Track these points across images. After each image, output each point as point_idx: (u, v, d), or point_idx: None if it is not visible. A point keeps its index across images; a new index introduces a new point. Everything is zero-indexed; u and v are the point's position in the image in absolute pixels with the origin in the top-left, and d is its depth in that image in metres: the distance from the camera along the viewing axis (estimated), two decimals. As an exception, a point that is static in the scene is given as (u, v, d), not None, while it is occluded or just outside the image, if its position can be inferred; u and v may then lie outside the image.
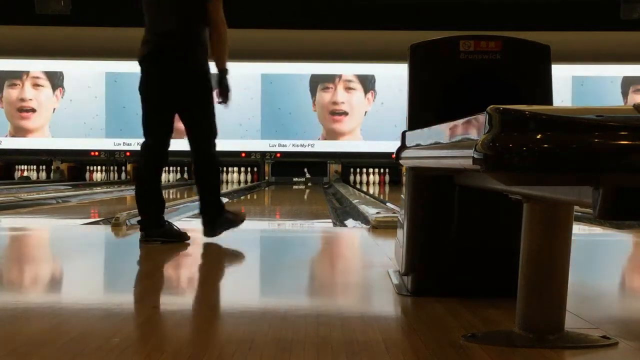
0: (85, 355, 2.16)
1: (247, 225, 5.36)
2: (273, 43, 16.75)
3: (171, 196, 12.31)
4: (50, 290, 3.50)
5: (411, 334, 2.46)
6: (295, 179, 17.81)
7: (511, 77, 3.04)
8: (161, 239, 4.73)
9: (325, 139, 17.18)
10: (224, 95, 4.88)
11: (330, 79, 17.29)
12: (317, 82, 17.34)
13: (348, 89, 17.26)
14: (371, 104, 17.25)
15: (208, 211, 4.94)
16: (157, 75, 4.85)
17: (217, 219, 4.93)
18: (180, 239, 4.82)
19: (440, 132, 2.36)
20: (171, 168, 17.98)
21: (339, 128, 17.22)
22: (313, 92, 17.36)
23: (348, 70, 17.18)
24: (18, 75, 17.86)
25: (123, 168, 18.89)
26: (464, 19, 15.09)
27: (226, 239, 4.91)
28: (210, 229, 4.94)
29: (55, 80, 17.92)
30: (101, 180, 18.44)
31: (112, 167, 18.82)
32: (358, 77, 17.29)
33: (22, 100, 17.83)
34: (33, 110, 17.87)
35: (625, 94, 17.20)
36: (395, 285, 3.20)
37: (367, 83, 17.27)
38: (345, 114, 17.20)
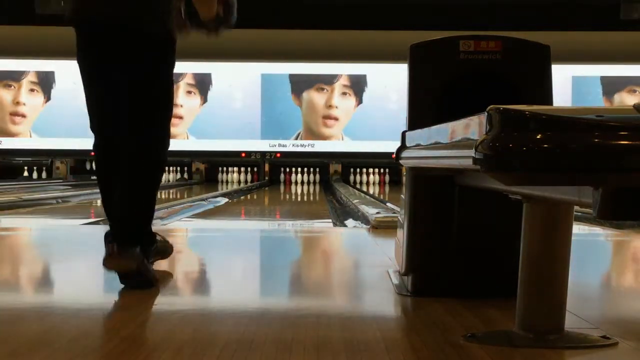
0: (86, 356, 2.16)
1: (247, 225, 5.36)
2: (273, 43, 16.74)
3: (171, 196, 12.31)
4: (50, 291, 3.50)
5: (411, 334, 2.46)
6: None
7: (511, 77, 3.04)
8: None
9: (305, 139, 17.02)
10: (227, 12, 3.41)
11: (327, 80, 17.11)
12: (306, 80, 17.12)
13: (343, 93, 17.13)
14: (357, 107, 17.09)
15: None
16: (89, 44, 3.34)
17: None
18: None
19: (440, 132, 2.36)
20: (171, 168, 17.94)
21: (328, 132, 17.09)
22: (298, 88, 17.13)
23: (347, 70, 17.14)
24: (14, 77, 17.72)
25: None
26: (464, 19, 15.08)
27: (226, 238, 4.90)
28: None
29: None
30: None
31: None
32: (351, 78, 17.13)
33: (17, 104, 17.62)
34: (23, 116, 17.60)
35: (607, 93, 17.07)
36: (395, 285, 3.20)
37: (360, 85, 17.14)
38: (336, 119, 17.06)
